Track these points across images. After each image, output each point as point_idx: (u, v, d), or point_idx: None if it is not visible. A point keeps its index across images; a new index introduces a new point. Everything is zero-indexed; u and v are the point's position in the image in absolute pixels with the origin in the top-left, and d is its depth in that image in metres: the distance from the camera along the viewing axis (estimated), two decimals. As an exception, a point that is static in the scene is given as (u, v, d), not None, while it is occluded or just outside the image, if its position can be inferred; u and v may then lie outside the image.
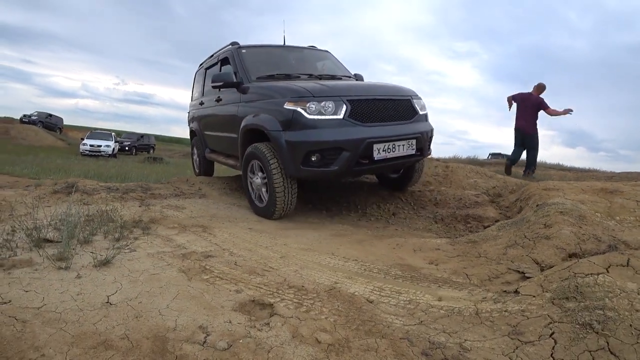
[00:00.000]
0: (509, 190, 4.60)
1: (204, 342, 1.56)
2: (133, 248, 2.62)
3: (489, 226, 3.47)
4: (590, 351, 1.44)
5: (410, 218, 4.13)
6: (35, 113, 33.14)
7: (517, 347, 1.53)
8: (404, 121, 3.85)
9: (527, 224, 2.90)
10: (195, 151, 6.85)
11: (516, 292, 1.95)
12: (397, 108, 3.83)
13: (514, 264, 2.42)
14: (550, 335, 1.55)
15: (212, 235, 3.10)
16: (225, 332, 1.63)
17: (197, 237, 3.00)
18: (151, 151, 31.04)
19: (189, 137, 7.32)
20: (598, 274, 1.81)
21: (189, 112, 7.05)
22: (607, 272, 1.83)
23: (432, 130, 4.15)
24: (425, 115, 4.20)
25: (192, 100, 6.91)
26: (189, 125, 7.05)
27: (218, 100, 5.05)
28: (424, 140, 3.93)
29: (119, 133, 32.46)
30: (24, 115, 32.56)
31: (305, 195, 4.98)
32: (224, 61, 5.03)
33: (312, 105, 3.34)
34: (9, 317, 1.64)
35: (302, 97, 3.41)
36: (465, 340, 1.60)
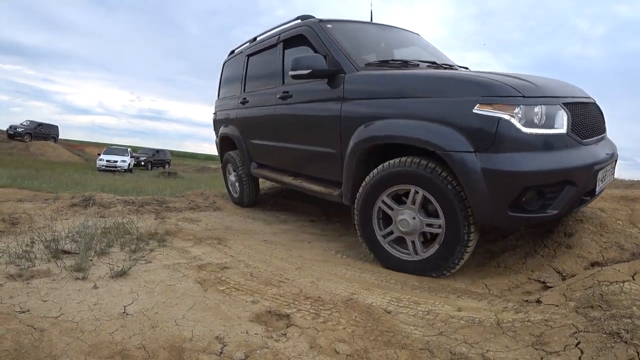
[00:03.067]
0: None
1: (221, 352, 1.54)
2: (149, 259, 2.63)
3: (507, 236, 3.41)
4: (619, 362, 1.39)
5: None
6: (26, 122, 29.71)
7: (542, 358, 1.48)
8: (604, 135, 2.78)
9: (547, 233, 2.84)
10: (231, 168, 5.10)
11: (538, 301, 1.90)
12: (601, 117, 2.80)
13: (534, 274, 2.37)
14: (576, 345, 1.50)
15: (228, 247, 3.09)
16: (242, 343, 1.61)
17: (212, 249, 3.00)
18: (167, 166, 31.44)
19: (215, 147, 5.63)
20: (624, 282, 1.75)
21: (215, 114, 5.52)
22: (633, 279, 1.77)
23: None
24: None
25: (220, 97, 5.46)
26: (216, 130, 5.47)
27: (285, 97, 3.62)
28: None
29: (134, 149, 32.92)
30: (10, 127, 28.81)
31: (319, 207, 4.97)
32: (292, 42, 3.67)
33: (523, 112, 2.11)
34: (28, 326, 1.65)
35: (505, 96, 2.12)
36: (488, 350, 1.56)
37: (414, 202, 2.47)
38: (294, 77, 3.09)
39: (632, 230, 2.71)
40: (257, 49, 4.31)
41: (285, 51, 3.76)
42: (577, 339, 1.53)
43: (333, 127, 2.95)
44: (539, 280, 2.27)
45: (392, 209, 2.59)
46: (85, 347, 1.53)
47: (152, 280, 2.24)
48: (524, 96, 2.13)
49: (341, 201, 3.03)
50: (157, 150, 33.04)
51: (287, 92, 3.59)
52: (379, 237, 2.69)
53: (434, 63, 3.32)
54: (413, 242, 2.54)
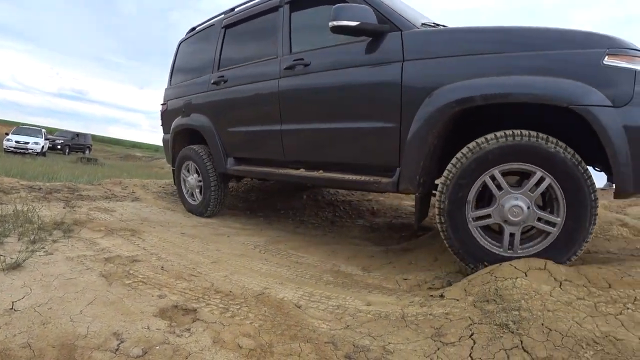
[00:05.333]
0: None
1: (117, 349, 1.46)
2: (50, 251, 2.43)
3: (423, 235, 3.57)
4: (505, 350, 1.50)
5: (348, 227, 4.16)
6: None
7: (438, 349, 1.56)
8: None
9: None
10: (192, 168, 4.24)
11: (442, 296, 2.00)
12: None
13: (443, 271, 2.49)
14: (470, 336, 1.60)
15: (141, 239, 2.95)
16: (141, 339, 1.53)
17: (124, 241, 2.84)
18: (87, 151, 29.45)
19: (164, 146, 4.84)
20: (517, 278, 1.89)
21: (165, 104, 4.69)
22: (526, 275, 1.92)
23: None
24: None
25: (172, 84, 4.66)
26: (166, 124, 4.65)
27: (295, 66, 3.02)
28: None
29: (51, 130, 30.48)
30: None
31: (244, 202, 4.91)
32: (306, 1, 3.18)
33: None
34: None
35: (632, 49, 2.02)
36: (389, 343, 1.61)
37: (532, 189, 2.10)
38: (335, 29, 2.52)
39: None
40: (244, 16, 3.68)
41: (293, 14, 3.22)
42: (471, 331, 1.63)
43: (389, 95, 2.47)
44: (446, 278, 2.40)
45: (501, 189, 2.15)
46: (-41, 346, 1.39)
47: (50, 274, 2.08)
48: (637, 49, 2.01)
49: (395, 190, 2.53)
50: (77, 134, 30.76)
51: (301, 59, 2.99)
52: (468, 222, 2.23)
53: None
54: (513, 235, 2.15)
